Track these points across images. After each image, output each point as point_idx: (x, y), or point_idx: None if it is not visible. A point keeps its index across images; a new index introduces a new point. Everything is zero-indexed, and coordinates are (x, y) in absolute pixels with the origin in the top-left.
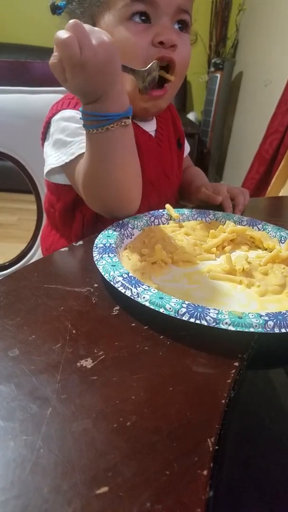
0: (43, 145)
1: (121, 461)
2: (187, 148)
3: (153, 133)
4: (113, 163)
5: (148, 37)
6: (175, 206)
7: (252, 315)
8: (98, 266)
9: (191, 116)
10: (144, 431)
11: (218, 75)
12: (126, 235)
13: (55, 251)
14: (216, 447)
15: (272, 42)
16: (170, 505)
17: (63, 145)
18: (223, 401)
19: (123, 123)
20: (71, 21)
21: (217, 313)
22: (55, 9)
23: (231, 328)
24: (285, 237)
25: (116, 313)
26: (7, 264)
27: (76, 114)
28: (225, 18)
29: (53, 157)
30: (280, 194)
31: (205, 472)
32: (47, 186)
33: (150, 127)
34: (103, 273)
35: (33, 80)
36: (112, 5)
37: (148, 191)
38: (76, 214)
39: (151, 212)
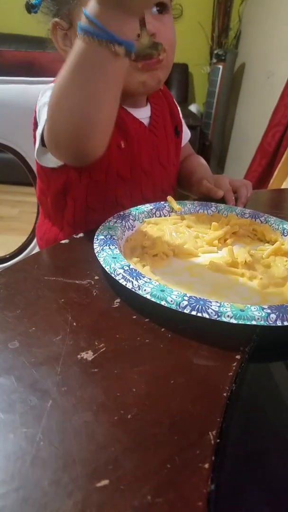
0: (34, 134)
1: (122, 454)
2: (187, 135)
3: (146, 121)
4: (85, 83)
5: None
6: (172, 196)
7: (254, 308)
8: (99, 258)
9: (192, 108)
10: (145, 424)
11: (220, 66)
12: (127, 227)
13: (49, 240)
14: (218, 440)
15: (276, 33)
16: (171, 499)
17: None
18: (224, 394)
19: (113, 49)
20: None
21: (219, 306)
22: (30, 8)
23: (233, 321)
24: None
25: (117, 305)
26: (7, 256)
27: None
28: (228, 9)
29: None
30: (283, 187)
31: (206, 466)
32: (38, 174)
33: (143, 113)
34: (104, 265)
35: (35, 70)
36: (85, 0)
37: (142, 181)
38: (67, 200)
39: (152, 204)
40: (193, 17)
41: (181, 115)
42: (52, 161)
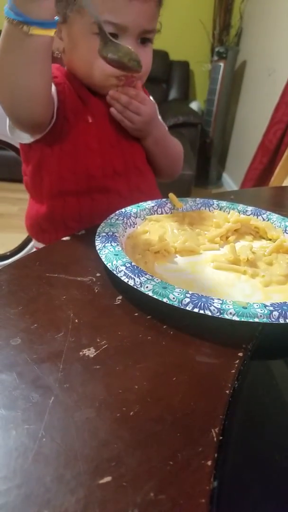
0: None
1: (124, 451)
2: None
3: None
4: (10, 57)
5: None
6: (147, 171)
7: (257, 305)
8: (100, 255)
9: (193, 105)
10: (148, 420)
11: (222, 64)
12: (129, 224)
13: (32, 216)
14: (221, 438)
15: (277, 30)
16: (174, 495)
17: None
18: (227, 391)
19: (23, 28)
20: None
21: (221, 303)
22: None
23: (236, 318)
24: None
25: (118, 302)
26: (8, 254)
27: None
28: (229, 6)
29: None
30: (284, 184)
31: (209, 463)
32: (21, 158)
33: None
34: (105, 262)
35: None
36: (84, 16)
37: (112, 154)
38: (43, 175)
39: (154, 201)
40: (194, 14)
41: (157, 113)
42: (21, 136)
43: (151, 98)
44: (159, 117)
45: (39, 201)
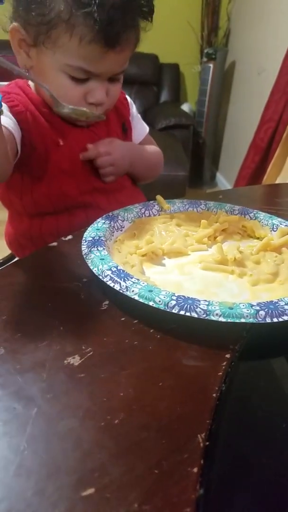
0: None
1: (108, 461)
2: (143, 130)
3: (85, 123)
4: None
5: (81, 91)
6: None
7: (243, 305)
8: (86, 260)
9: (185, 107)
10: (132, 428)
11: (211, 65)
12: (116, 228)
13: (10, 234)
14: (207, 443)
15: (264, 30)
16: (159, 505)
17: None
18: (214, 394)
19: None
20: None
21: (207, 305)
22: None
23: (222, 319)
24: (277, 225)
25: (105, 308)
26: (1, 261)
27: None
28: (216, 8)
29: None
30: (277, 182)
31: (195, 470)
32: None
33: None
34: (91, 267)
35: None
36: (57, 50)
37: (87, 173)
38: (16, 198)
39: (141, 203)
40: (183, 17)
41: (132, 113)
42: None
43: (127, 97)
44: (139, 118)
45: (17, 218)
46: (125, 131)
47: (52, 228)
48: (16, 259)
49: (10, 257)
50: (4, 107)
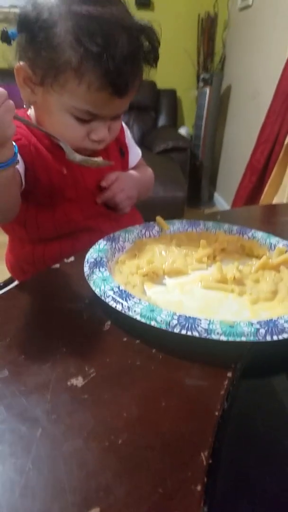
0: None
1: (113, 480)
2: (136, 155)
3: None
4: None
5: (85, 130)
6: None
7: (244, 324)
8: (89, 281)
9: (182, 130)
10: (136, 448)
11: (207, 89)
12: (117, 249)
13: (14, 262)
14: (210, 461)
15: (258, 56)
16: None
17: None
18: (216, 413)
19: None
20: None
21: (208, 323)
22: (5, 38)
23: (223, 338)
24: (275, 244)
25: (107, 328)
26: (1, 284)
27: None
28: (212, 35)
29: None
30: (274, 202)
31: (198, 488)
32: None
33: None
34: (93, 288)
35: None
36: (65, 93)
37: (90, 198)
38: (20, 226)
39: (141, 225)
40: (179, 44)
41: (127, 137)
42: None
43: (123, 124)
44: (133, 142)
45: (18, 244)
46: (123, 155)
47: (55, 253)
48: (16, 282)
49: (10, 280)
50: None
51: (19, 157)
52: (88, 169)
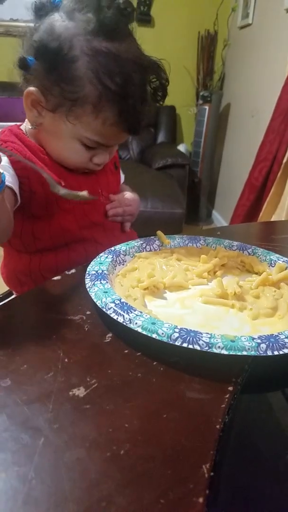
0: None
1: (115, 491)
2: (122, 176)
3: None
4: None
5: (89, 155)
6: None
7: (245, 338)
8: (90, 293)
9: (181, 147)
10: (138, 459)
11: (207, 107)
12: (118, 262)
13: (10, 274)
14: (212, 474)
15: (257, 75)
16: None
17: None
18: (217, 426)
19: None
20: None
21: (209, 337)
22: (24, 66)
23: (224, 352)
24: (275, 260)
25: (108, 340)
26: (1, 296)
27: None
28: (211, 53)
29: None
30: (272, 220)
31: (200, 500)
32: None
33: None
34: (95, 300)
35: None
36: (78, 124)
37: (85, 208)
38: (16, 238)
39: (142, 239)
40: (179, 62)
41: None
42: None
43: (120, 173)
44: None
45: (14, 255)
46: (116, 168)
47: (51, 264)
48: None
49: (9, 292)
50: (5, 160)
51: (12, 173)
52: (85, 179)
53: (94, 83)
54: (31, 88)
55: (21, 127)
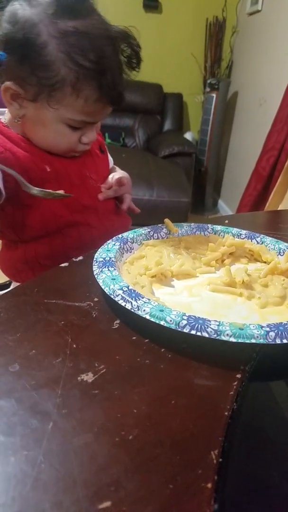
0: None
1: (123, 475)
2: (111, 160)
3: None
4: None
5: (77, 136)
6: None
7: (253, 326)
8: (98, 280)
9: (188, 135)
10: (147, 444)
11: (214, 95)
12: (125, 249)
13: (8, 263)
14: (220, 460)
15: (266, 63)
16: None
17: None
18: (226, 413)
19: None
20: None
21: (218, 325)
22: None
23: (232, 339)
24: (284, 249)
25: (116, 326)
26: (7, 283)
27: None
28: (219, 40)
29: None
30: (279, 209)
31: (209, 485)
32: None
33: None
34: (103, 287)
35: None
36: (61, 108)
37: (74, 192)
38: (8, 228)
39: (150, 226)
40: (187, 49)
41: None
42: None
43: (109, 157)
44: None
45: (10, 245)
46: (103, 152)
47: (47, 251)
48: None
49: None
50: None
51: None
52: (72, 163)
53: (68, 65)
54: (8, 83)
55: (3, 120)
